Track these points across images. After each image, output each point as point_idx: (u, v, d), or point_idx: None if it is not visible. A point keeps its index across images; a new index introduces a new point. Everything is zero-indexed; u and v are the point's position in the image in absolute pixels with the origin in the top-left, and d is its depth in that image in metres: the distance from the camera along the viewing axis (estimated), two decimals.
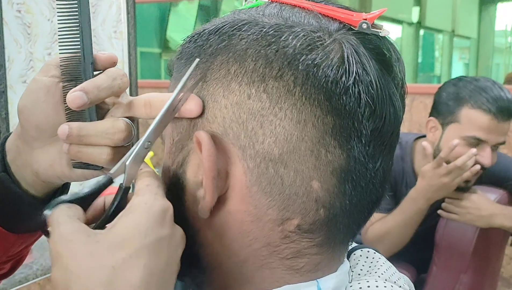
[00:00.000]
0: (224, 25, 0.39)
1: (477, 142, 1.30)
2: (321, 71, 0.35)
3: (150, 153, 1.73)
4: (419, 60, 4.90)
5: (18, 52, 1.35)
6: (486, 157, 1.30)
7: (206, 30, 0.40)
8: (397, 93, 0.39)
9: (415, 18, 4.59)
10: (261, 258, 0.39)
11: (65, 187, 0.51)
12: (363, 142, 0.37)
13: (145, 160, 1.46)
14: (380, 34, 0.38)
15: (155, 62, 3.50)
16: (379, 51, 0.38)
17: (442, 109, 1.36)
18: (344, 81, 0.36)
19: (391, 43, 0.40)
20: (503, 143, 1.32)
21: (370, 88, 0.36)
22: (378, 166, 0.38)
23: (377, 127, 0.37)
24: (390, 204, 1.47)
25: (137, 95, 1.86)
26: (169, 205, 0.37)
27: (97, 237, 0.35)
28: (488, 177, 1.44)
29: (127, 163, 0.39)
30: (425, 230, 1.48)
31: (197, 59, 0.38)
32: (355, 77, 0.36)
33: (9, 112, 1.33)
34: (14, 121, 1.36)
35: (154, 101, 0.41)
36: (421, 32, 4.78)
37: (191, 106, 0.38)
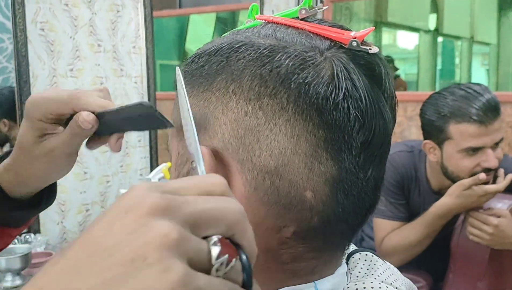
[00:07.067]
0: (223, 46, 0.41)
1: (475, 150, 1.33)
2: (312, 88, 0.37)
3: (168, 164, 1.77)
4: (439, 67, 4.86)
5: (42, 68, 1.40)
6: (489, 160, 1.32)
7: (207, 51, 0.42)
8: (387, 105, 0.41)
9: (432, 25, 4.56)
10: (261, 262, 0.40)
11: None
12: (354, 153, 0.39)
13: (162, 170, 1.52)
14: (370, 52, 0.40)
15: (174, 74, 3.54)
16: (370, 66, 0.40)
17: (432, 131, 1.39)
18: (334, 97, 0.38)
19: (380, 58, 0.41)
20: (502, 140, 1.34)
21: (359, 102, 0.38)
22: (369, 175, 0.40)
23: (366, 140, 0.39)
24: (403, 212, 1.48)
25: (156, 108, 1.89)
26: None
27: None
28: None
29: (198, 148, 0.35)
30: (441, 238, 1.48)
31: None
32: (344, 93, 0.38)
33: None
34: None
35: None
36: (440, 39, 4.74)
37: None
